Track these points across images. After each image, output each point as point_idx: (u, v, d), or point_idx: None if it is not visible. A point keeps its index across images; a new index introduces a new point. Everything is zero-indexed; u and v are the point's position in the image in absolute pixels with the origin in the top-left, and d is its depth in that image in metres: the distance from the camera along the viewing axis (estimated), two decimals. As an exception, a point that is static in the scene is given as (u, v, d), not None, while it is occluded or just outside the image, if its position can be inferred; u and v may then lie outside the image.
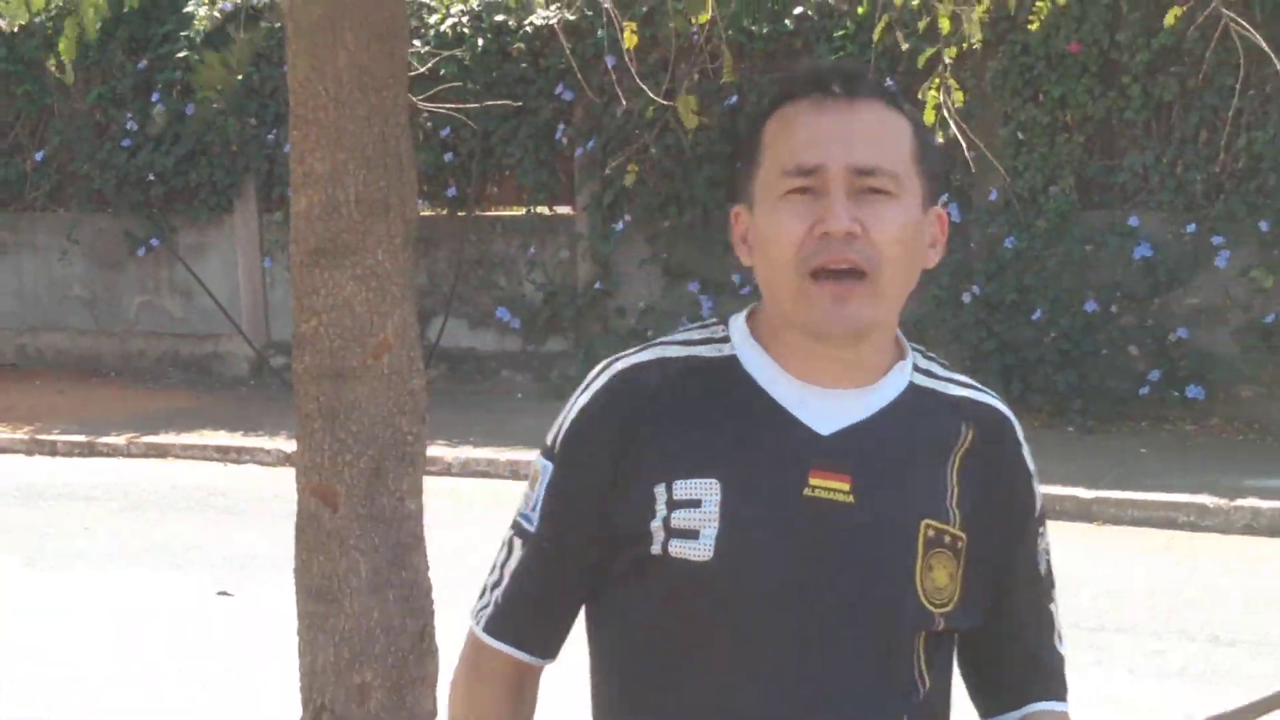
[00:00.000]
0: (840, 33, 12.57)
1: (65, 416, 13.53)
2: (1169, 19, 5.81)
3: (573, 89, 13.42)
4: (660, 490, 2.11)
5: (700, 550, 2.09)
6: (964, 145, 5.57)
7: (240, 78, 14.06)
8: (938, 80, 4.96)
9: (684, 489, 2.10)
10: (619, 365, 2.20)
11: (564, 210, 14.18)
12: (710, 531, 2.09)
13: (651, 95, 8.08)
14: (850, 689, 2.09)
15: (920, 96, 5.24)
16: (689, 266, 13.51)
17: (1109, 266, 12.05)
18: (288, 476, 4.33)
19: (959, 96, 4.91)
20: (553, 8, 13.10)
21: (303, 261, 3.70)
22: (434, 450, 11.61)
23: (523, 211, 14.26)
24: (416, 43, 13.29)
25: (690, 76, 12.48)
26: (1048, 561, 2.30)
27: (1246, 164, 11.61)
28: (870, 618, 2.09)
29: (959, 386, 2.24)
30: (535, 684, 2.29)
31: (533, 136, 13.82)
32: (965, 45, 4.87)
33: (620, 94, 8.85)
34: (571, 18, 12.36)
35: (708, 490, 2.10)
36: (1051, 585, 2.31)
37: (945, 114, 4.95)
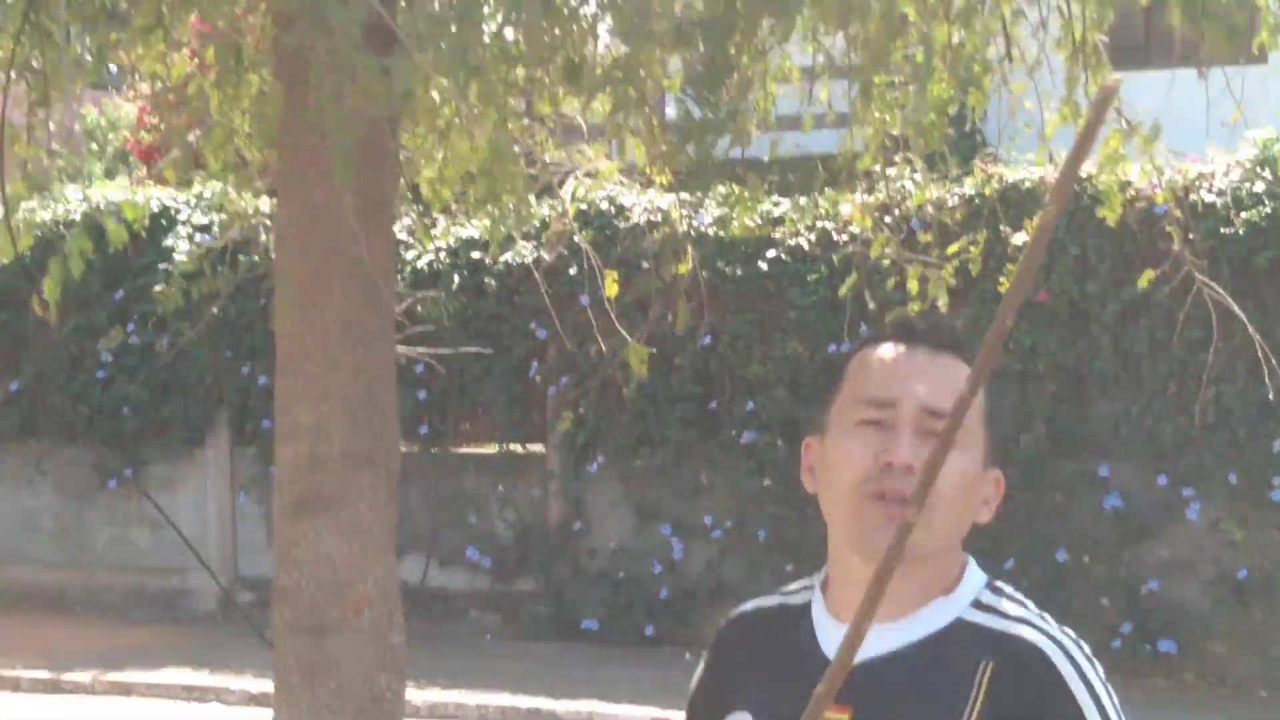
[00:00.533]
0: (813, 276, 12.68)
1: (29, 652, 13.33)
2: (1143, 281, 5.88)
3: (547, 327, 13.50)
4: None
5: None
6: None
7: (216, 310, 14.11)
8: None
9: None
10: (736, 611, 2.44)
11: (536, 448, 14.18)
12: None
13: (626, 335, 8.11)
14: None
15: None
16: (661, 507, 13.48)
17: (1079, 516, 12.06)
18: (253, 715, 4.27)
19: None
20: (529, 246, 13.22)
21: (286, 513, 3.68)
22: (400, 691, 11.45)
23: (495, 449, 14.25)
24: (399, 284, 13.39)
25: (664, 319, 12.56)
26: None
27: (1216, 416, 11.68)
28: None
29: (1013, 622, 2.21)
30: None
31: (506, 374, 13.87)
32: (925, 305, 4.93)
33: (596, 334, 8.89)
34: (548, 258, 12.47)
35: None
36: None
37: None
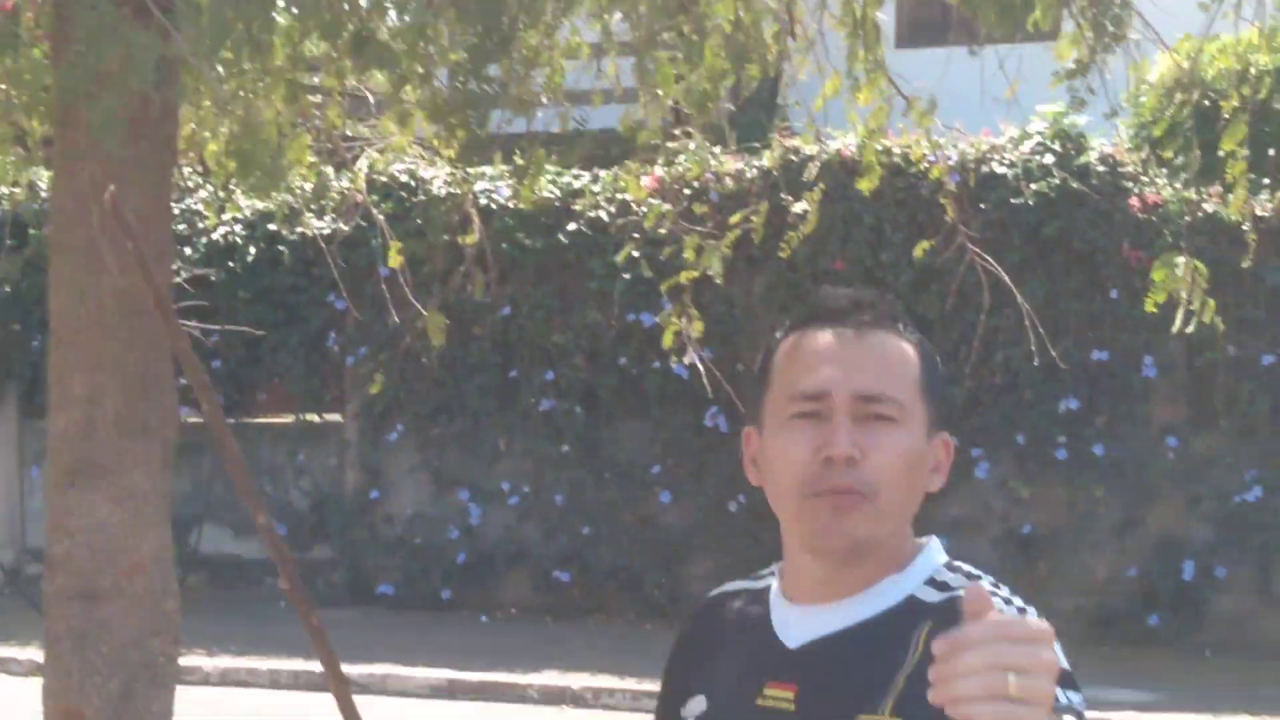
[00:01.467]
0: (614, 250, 12.78)
1: None
2: (918, 251, 6.06)
3: (344, 299, 13.44)
4: (685, 707, 2.25)
5: None
6: (704, 373, 5.69)
7: (5, 286, 13.87)
8: (679, 307, 5.08)
9: (691, 706, 2.25)
10: (705, 595, 2.39)
11: (334, 418, 14.13)
12: None
13: (420, 308, 8.13)
14: None
15: (660, 323, 5.36)
16: (458, 474, 13.51)
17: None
18: (38, 687, 4.25)
19: (698, 326, 5.04)
20: (326, 218, 13.14)
21: (57, 482, 3.68)
22: (192, 659, 11.38)
23: (291, 419, 14.18)
24: (187, 250, 13.24)
25: (463, 288, 12.58)
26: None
27: (1004, 379, 11.99)
28: None
29: (956, 592, 2.14)
30: None
31: (303, 344, 13.80)
32: (700, 273, 5.01)
33: (391, 305, 8.91)
34: (346, 228, 12.41)
35: (699, 706, 2.24)
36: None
37: (686, 340, 5.07)
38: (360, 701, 10.25)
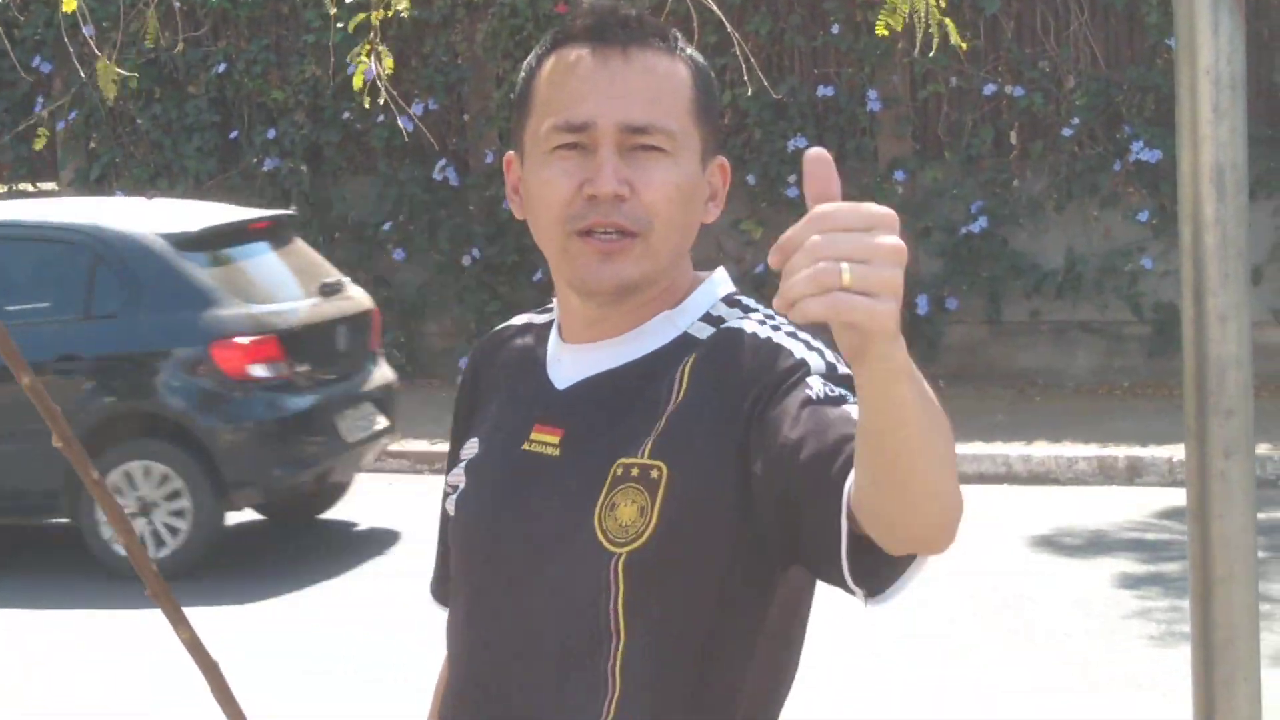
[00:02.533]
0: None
1: None
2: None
3: (51, 61, 12.91)
4: (463, 448, 2.15)
5: (452, 506, 2.14)
6: (395, 112, 5.49)
7: None
8: (367, 46, 4.86)
9: (467, 448, 2.14)
10: (497, 326, 2.25)
11: (48, 186, 13.65)
12: (460, 487, 2.12)
13: (118, 70, 7.77)
14: (540, 641, 1.99)
15: (349, 62, 5.13)
16: (183, 239, 13.16)
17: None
18: None
19: (389, 64, 4.84)
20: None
21: None
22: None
23: (3, 189, 13.66)
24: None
25: (162, 46, 12.13)
26: (819, 399, 1.89)
27: (731, 120, 11.94)
28: (550, 568, 1.99)
29: (731, 325, 2.03)
30: None
31: (9, 110, 13.25)
32: (390, 12, 4.79)
33: (82, 68, 8.53)
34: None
35: (472, 449, 2.13)
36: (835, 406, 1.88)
37: (378, 81, 4.87)
38: None
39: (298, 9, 12.59)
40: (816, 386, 1.88)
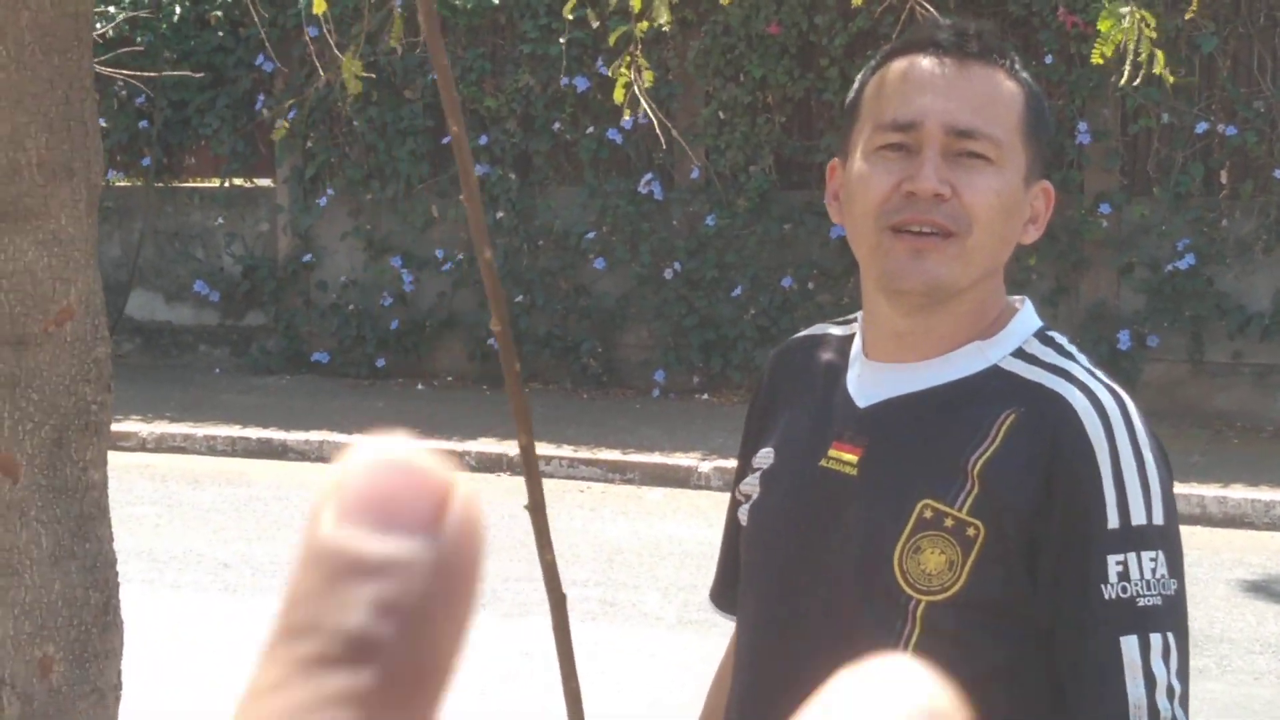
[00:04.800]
0: (546, 12, 12.61)
1: None
2: (858, 0, 5.94)
3: (273, 60, 13.24)
4: (755, 457, 2.16)
5: (744, 515, 2.16)
6: (656, 124, 5.61)
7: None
8: (628, 59, 4.98)
9: (760, 457, 2.15)
10: (790, 338, 2.27)
11: (264, 183, 13.99)
12: (754, 497, 2.14)
13: (360, 68, 8.00)
14: (818, 662, 2.03)
15: (611, 75, 5.25)
16: (392, 241, 13.44)
17: (806, 245, 12.30)
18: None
19: (649, 76, 4.94)
20: (254, -24, 12.89)
21: (-18, 226, 3.60)
22: (128, 425, 11.38)
23: (222, 183, 14.03)
24: (111, 9, 12.97)
25: (389, 50, 12.41)
26: (1120, 594, 1.86)
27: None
28: (841, 595, 2.00)
29: (1049, 372, 1.99)
30: None
31: (230, 106, 13.61)
32: (653, 24, 4.89)
33: (319, 66, 8.77)
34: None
35: (766, 458, 2.14)
36: (1129, 626, 1.85)
37: (636, 92, 4.98)
38: (296, 469, 10.32)
39: (515, 20, 12.81)
40: (1115, 578, 1.86)
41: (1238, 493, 9.92)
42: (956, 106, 1.97)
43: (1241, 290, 11.68)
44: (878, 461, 2.00)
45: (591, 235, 12.79)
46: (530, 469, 1.68)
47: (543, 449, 10.94)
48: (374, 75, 7.11)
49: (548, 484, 10.21)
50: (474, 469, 10.91)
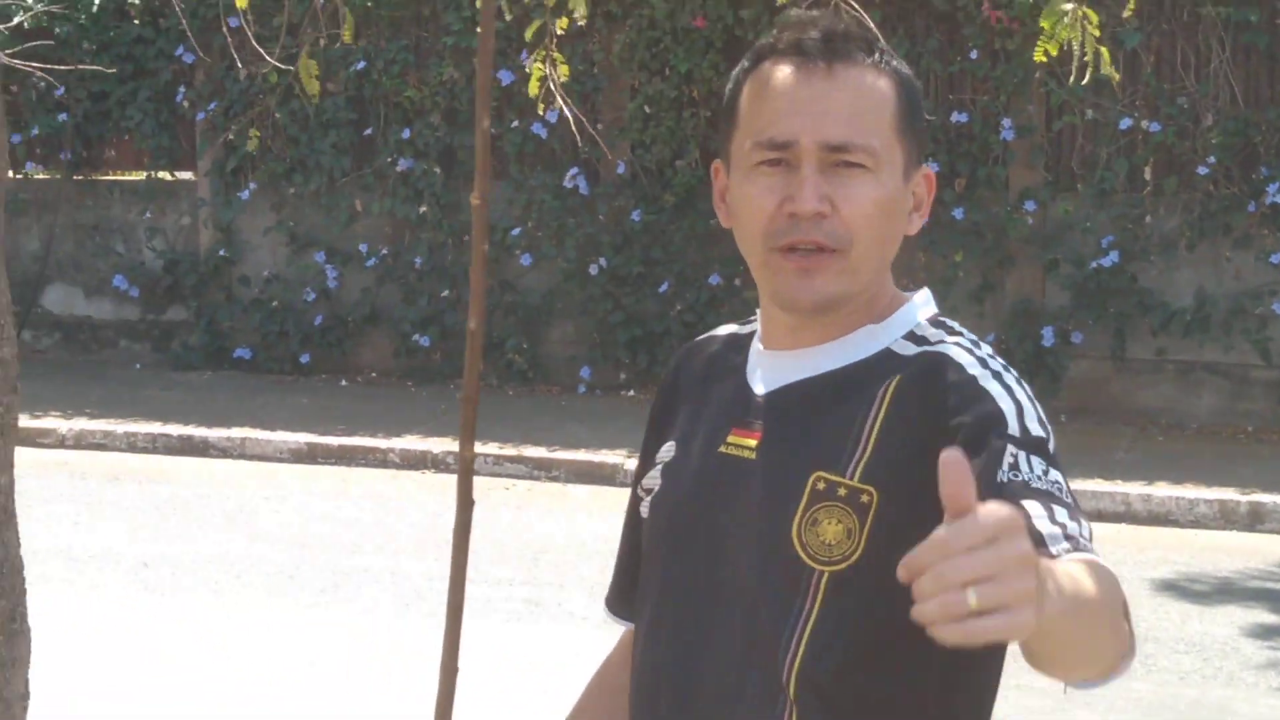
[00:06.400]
0: (470, 4, 12.52)
1: None
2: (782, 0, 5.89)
3: (193, 52, 13.11)
4: (658, 453, 2.21)
5: (646, 509, 2.20)
6: (572, 120, 5.53)
7: None
8: (543, 53, 4.91)
9: (663, 452, 2.19)
10: (698, 337, 2.31)
11: (186, 175, 13.85)
12: (655, 489, 2.18)
13: (270, 60, 7.91)
14: (726, 639, 2.04)
15: (526, 69, 5.19)
16: (315, 235, 13.33)
17: (733, 241, 12.21)
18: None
19: (564, 70, 4.88)
20: (173, -33, 12.74)
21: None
22: (47, 422, 11.24)
23: (143, 176, 13.88)
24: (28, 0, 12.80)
25: (315, 41, 12.27)
26: (1012, 478, 1.88)
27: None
28: (743, 570, 2.03)
29: (934, 346, 2.05)
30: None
31: (152, 99, 13.46)
32: (569, 19, 4.82)
33: (238, 58, 8.66)
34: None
35: (669, 452, 2.18)
36: (1030, 497, 1.85)
37: (551, 87, 4.91)
38: (217, 466, 10.22)
39: (439, 11, 12.72)
40: (1009, 458, 1.89)
41: (1162, 490, 9.94)
42: (829, 122, 2.00)
43: (1165, 287, 11.72)
44: (774, 443, 2.05)
45: (517, 231, 12.71)
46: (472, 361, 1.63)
47: (467, 445, 10.85)
48: (293, 68, 6.98)
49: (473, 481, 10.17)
50: (398, 466, 10.82)
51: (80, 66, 7.69)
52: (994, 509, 1.44)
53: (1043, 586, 1.49)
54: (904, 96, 2.06)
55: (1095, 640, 1.70)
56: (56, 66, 4.66)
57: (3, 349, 3.58)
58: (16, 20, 5.12)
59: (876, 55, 2.05)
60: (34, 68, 4.63)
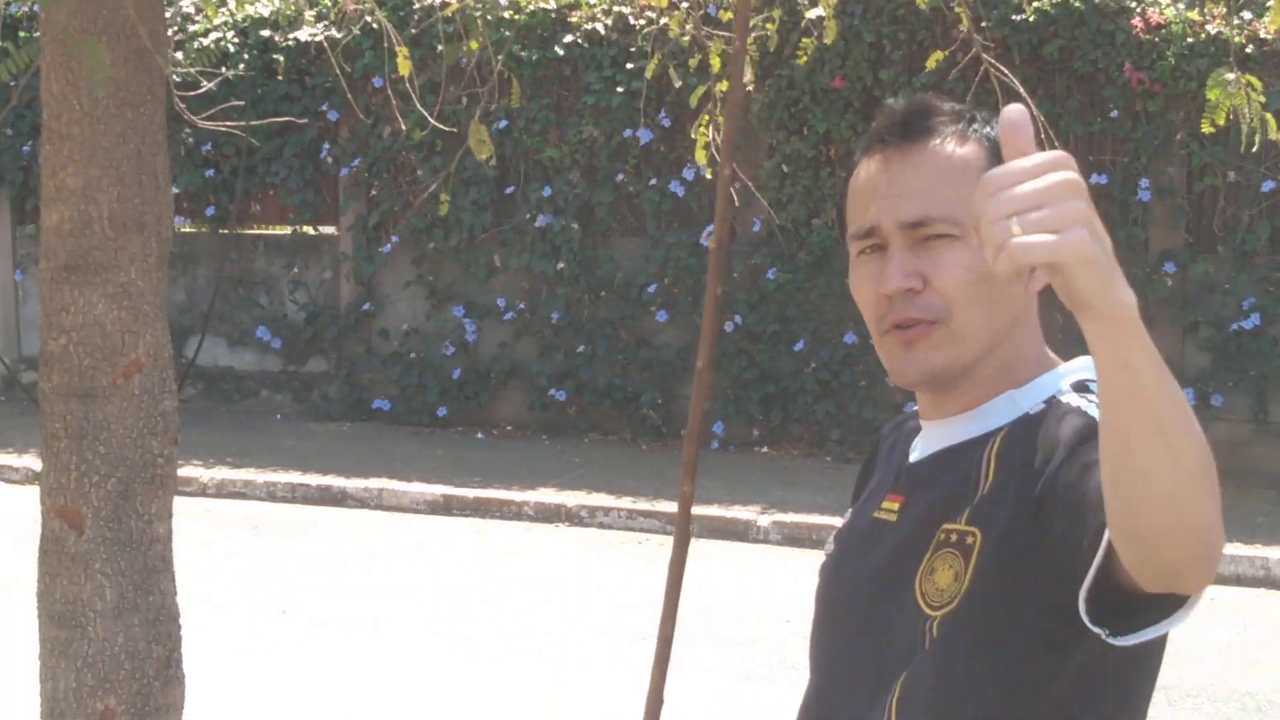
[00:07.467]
0: (610, 64, 12.65)
1: None
2: (930, 62, 5.93)
3: (338, 109, 13.33)
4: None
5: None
6: (728, 179, 5.58)
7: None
8: (708, 117, 4.98)
9: (843, 519, 2.33)
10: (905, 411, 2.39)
11: (328, 230, 14.06)
12: (828, 553, 2.30)
13: (428, 116, 8.05)
14: (862, 691, 2.10)
15: (692, 134, 5.26)
16: (454, 290, 13.48)
17: (867, 300, 12.26)
18: (35, 495, 4.25)
19: (725, 131, 4.95)
20: (320, 25, 12.98)
21: (53, 278, 3.63)
22: (189, 470, 11.42)
23: (287, 231, 14.11)
24: (179, 55, 13.08)
25: (482, 104, 12.49)
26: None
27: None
28: (875, 626, 2.09)
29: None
30: None
31: (297, 155, 13.69)
32: (728, 83, 4.89)
33: (396, 115, 8.80)
34: (338, 35, 12.25)
35: (845, 519, 2.32)
36: None
37: (714, 152, 4.97)
38: (355, 516, 10.34)
39: (579, 71, 12.86)
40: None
41: (1303, 555, 9.80)
42: (904, 201, 2.05)
43: (1307, 350, 11.57)
44: (912, 506, 2.12)
45: (653, 288, 12.79)
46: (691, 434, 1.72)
47: (601, 500, 10.93)
48: (440, 125, 7.12)
49: (605, 535, 10.22)
50: (532, 519, 10.90)
51: (243, 123, 7.82)
52: (1043, 153, 1.49)
53: (1106, 250, 1.51)
54: (996, 157, 2.02)
55: (1181, 447, 1.59)
56: (219, 124, 4.78)
57: (164, 401, 3.69)
58: (205, 88, 5.25)
59: (962, 124, 2.09)
60: (232, 127, 4.77)
